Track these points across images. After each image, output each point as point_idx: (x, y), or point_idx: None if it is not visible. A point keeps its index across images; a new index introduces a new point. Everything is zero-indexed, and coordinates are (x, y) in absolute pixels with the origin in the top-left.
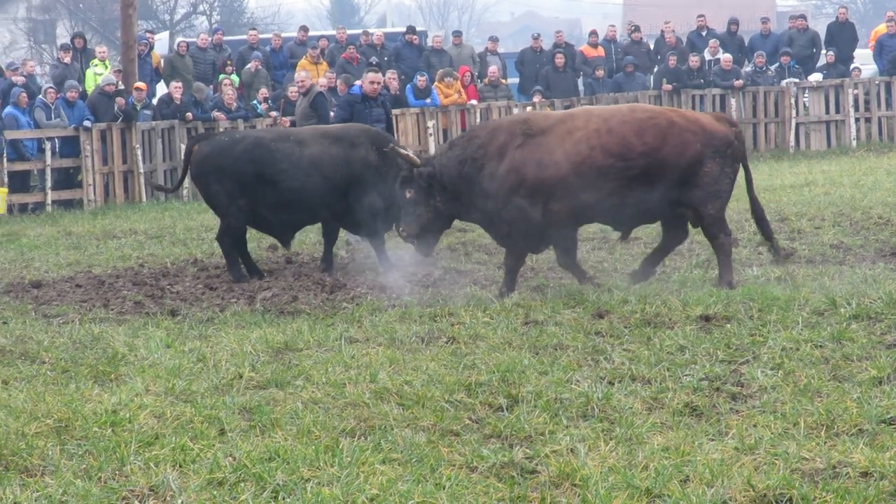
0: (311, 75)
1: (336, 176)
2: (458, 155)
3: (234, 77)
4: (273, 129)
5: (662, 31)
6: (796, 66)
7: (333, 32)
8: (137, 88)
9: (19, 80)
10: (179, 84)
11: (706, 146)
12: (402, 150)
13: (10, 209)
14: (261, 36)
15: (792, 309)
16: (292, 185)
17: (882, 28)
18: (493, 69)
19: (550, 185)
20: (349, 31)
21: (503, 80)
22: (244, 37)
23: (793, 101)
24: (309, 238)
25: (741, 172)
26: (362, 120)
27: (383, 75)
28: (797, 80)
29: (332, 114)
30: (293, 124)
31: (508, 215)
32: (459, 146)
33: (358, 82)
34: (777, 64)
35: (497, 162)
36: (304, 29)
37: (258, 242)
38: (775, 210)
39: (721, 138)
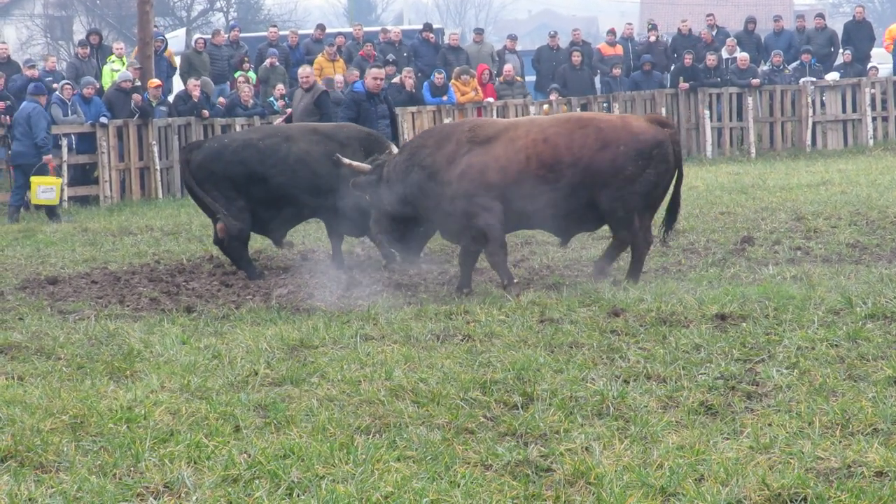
0: (314, 72)
1: (323, 172)
2: (405, 161)
3: (252, 74)
4: (263, 127)
5: (679, 29)
6: (817, 63)
7: (350, 30)
8: (154, 86)
9: (34, 74)
10: (198, 82)
11: (630, 149)
12: (348, 161)
13: (26, 206)
14: (280, 33)
15: (808, 308)
16: (281, 182)
17: None
18: (508, 67)
19: (494, 192)
20: (366, 29)
21: (518, 78)
22: (261, 34)
23: (810, 99)
24: (325, 235)
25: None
26: (369, 117)
27: (399, 72)
28: (814, 80)
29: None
30: (288, 120)
31: (456, 220)
32: (407, 152)
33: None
34: (798, 62)
35: (445, 168)
36: (321, 27)
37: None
38: (791, 209)
39: (647, 140)
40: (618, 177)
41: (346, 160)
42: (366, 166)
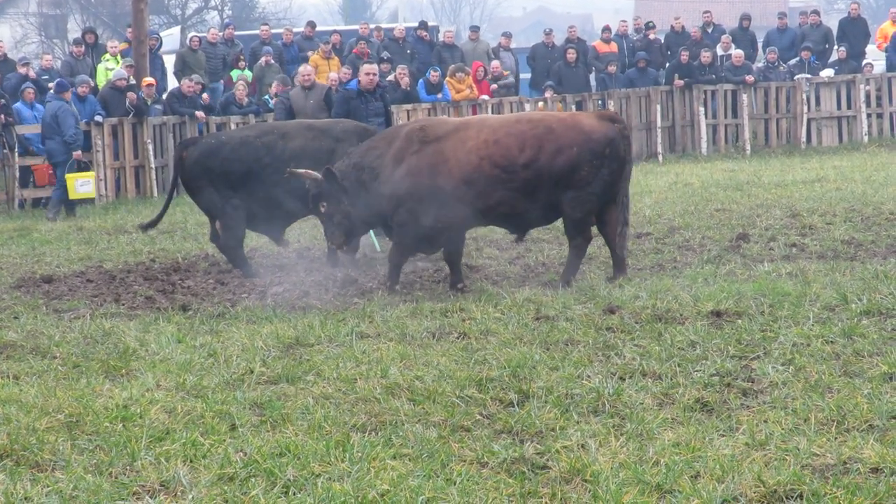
0: (314, 70)
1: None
2: (356, 162)
3: (248, 72)
4: (259, 124)
5: (672, 26)
6: (816, 61)
7: (345, 27)
8: (148, 84)
9: (29, 72)
10: (192, 81)
11: (583, 149)
12: (300, 171)
13: (20, 204)
14: (273, 31)
15: (803, 305)
16: (278, 179)
17: (888, 25)
18: (495, 64)
19: (443, 192)
20: (352, 27)
21: (505, 73)
22: (256, 32)
23: (805, 96)
24: (320, 233)
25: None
26: (358, 115)
27: (393, 69)
28: (809, 76)
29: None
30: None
31: (401, 217)
32: (358, 154)
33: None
34: (797, 59)
35: (393, 167)
36: (311, 24)
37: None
38: (786, 206)
39: (598, 139)
40: (574, 178)
41: (299, 171)
42: (317, 175)
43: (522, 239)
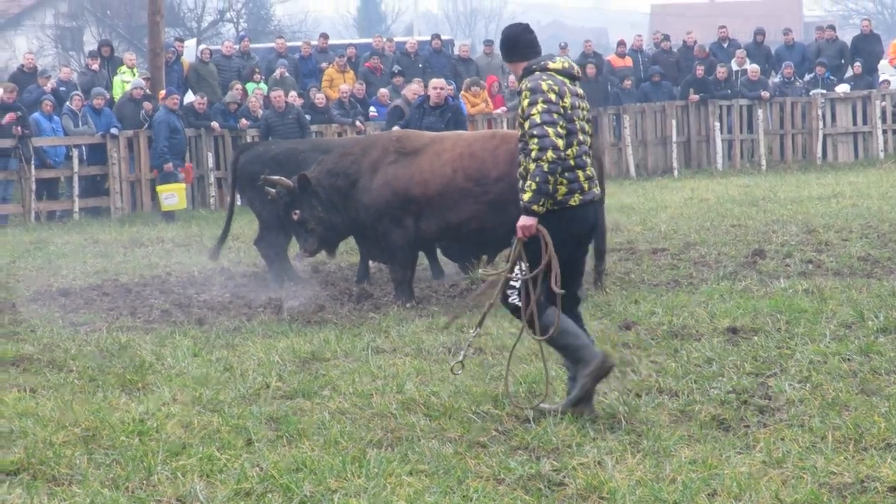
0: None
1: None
2: (330, 168)
3: (263, 85)
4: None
5: (685, 41)
6: (831, 77)
7: (360, 41)
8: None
9: (50, 85)
10: (203, 99)
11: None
12: (274, 178)
13: (36, 217)
14: (289, 44)
15: (819, 322)
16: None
17: None
18: (512, 78)
19: (419, 203)
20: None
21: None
22: (271, 44)
23: (820, 112)
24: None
25: None
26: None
27: (408, 83)
28: (824, 91)
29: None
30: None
31: (382, 227)
32: (332, 160)
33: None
34: (812, 74)
35: (370, 176)
36: (325, 36)
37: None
38: (802, 222)
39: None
40: None
41: (272, 177)
42: (289, 182)
43: (492, 261)
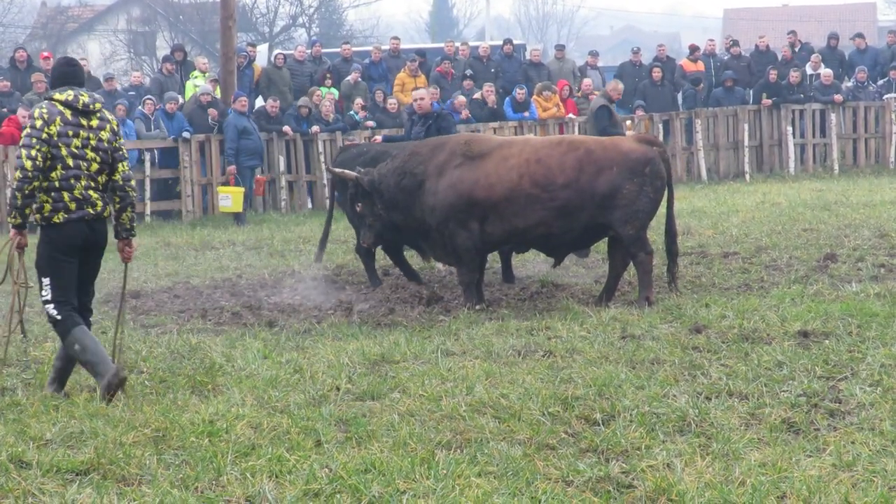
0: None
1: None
2: (398, 167)
3: (334, 90)
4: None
5: (757, 45)
6: None
7: (432, 45)
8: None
9: (114, 87)
10: (276, 102)
11: (622, 168)
12: (338, 170)
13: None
14: (360, 49)
15: (891, 325)
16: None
17: None
18: (587, 82)
19: (483, 207)
20: (439, 45)
21: (596, 93)
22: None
23: (893, 116)
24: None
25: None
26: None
27: (479, 88)
28: None
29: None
30: None
31: (447, 230)
32: (400, 159)
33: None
34: (886, 79)
35: (436, 178)
36: (396, 39)
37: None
38: (875, 226)
39: (637, 159)
40: (618, 198)
41: (337, 170)
42: (351, 174)
43: (559, 264)
